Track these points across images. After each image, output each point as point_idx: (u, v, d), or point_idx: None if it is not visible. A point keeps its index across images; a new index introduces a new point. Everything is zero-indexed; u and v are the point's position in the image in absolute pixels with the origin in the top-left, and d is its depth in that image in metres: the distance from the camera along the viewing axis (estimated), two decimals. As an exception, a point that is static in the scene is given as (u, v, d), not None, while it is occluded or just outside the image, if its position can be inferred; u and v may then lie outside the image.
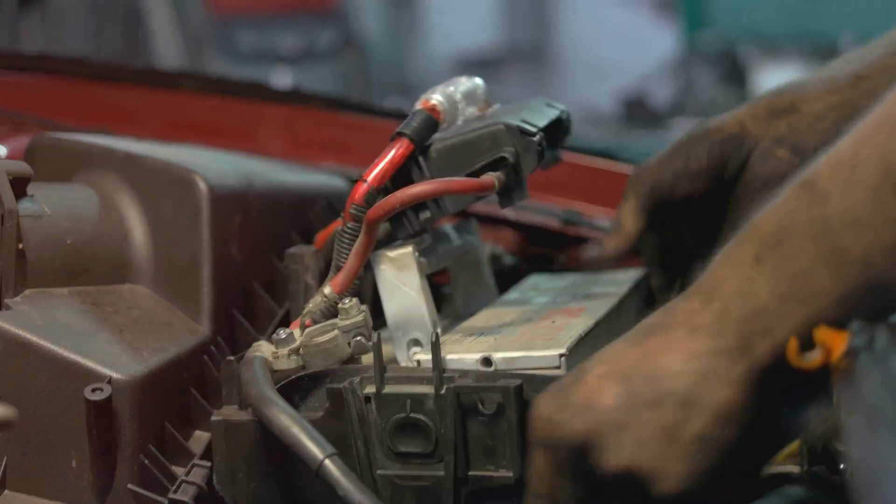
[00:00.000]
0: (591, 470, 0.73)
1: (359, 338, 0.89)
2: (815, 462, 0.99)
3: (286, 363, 0.89)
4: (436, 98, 0.98)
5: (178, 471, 0.91)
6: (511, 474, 0.84)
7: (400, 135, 0.95)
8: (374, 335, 0.87)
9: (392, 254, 0.96)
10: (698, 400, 0.70)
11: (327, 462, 0.78)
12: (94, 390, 0.85)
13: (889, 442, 0.59)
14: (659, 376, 0.71)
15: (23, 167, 0.95)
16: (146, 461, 0.88)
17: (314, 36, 6.60)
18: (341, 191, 1.21)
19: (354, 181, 0.94)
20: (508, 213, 1.30)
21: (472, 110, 1.01)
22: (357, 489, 0.77)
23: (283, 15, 7.31)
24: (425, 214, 0.95)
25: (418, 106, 0.97)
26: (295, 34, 6.49)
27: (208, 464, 0.91)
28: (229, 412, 0.89)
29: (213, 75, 1.63)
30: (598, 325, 0.96)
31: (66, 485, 0.88)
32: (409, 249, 0.96)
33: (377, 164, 0.94)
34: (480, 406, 0.84)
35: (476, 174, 0.94)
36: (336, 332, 0.89)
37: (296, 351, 0.89)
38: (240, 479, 0.88)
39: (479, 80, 1.04)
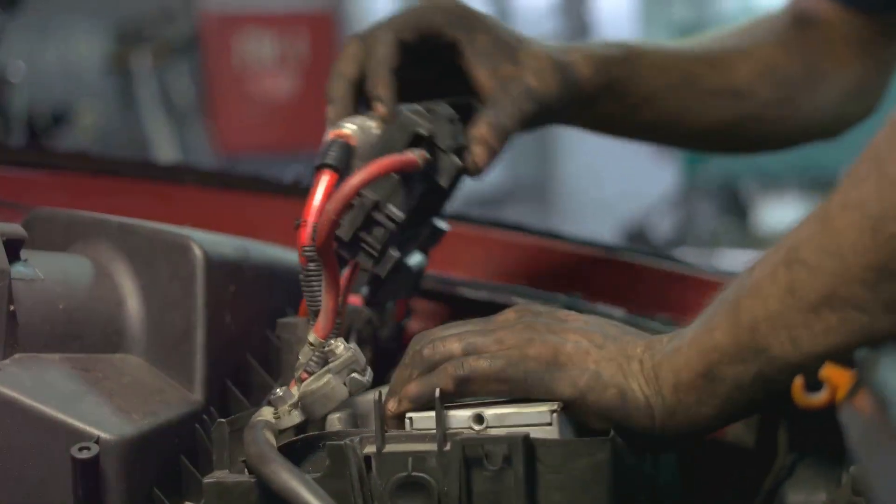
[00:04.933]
0: None
1: (353, 374, 0.88)
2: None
3: (289, 419, 0.88)
4: (346, 126, 0.97)
5: (167, 539, 0.88)
6: None
7: (321, 167, 0.93)
8: (376, 392, 0.85)
9: None
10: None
11: None
12: (81, 449, 0.83)
13: None
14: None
15: (16, 229, 0.94)
16: (133, 526, 0.85)
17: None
18: (340, 273, 1.20)
19: (296, 227, 0.92)
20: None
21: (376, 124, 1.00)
22: None
23: (289, 151, 7.43)
24: (378, 230, 0.93)
25: (329, 137, 0.96)
26: (300, 168, 6.56)
27: (198, 530, 0.88)
28: (222, 475, 0.86)
29: (212, 169, 1.63)
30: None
31: (50, 550, 0.85)
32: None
33: (310, 203, 0.92)
34: (485, 461, 0.82)
35: None
36: (329, 375, 0.87)
37: (295, 405, 0.87)
38: (231, 544, 0.85)
39: None
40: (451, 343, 0.89)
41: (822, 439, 1.11)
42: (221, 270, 1.00)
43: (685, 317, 1.35)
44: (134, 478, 0.86)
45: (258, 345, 1.04)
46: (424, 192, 0.97)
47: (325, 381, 0.87)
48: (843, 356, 0.77)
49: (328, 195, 0.92)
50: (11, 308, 0.90)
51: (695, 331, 0.85)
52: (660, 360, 0.86)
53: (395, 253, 0.95)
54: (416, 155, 0.93)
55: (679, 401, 0.85)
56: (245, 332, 1.02)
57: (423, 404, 0.87)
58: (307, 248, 0.90)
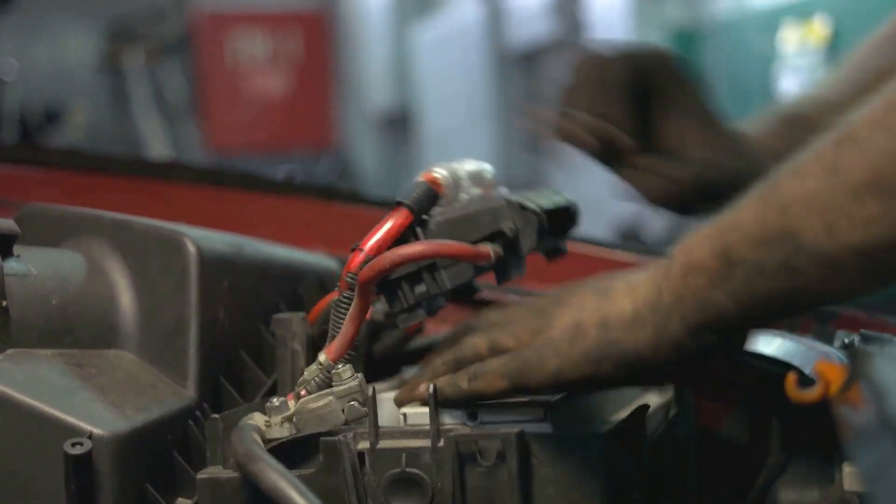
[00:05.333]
0: None
1: (353, 403, 0.87)
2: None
3: (279, 431, 0.87)
4: (439, 171, 0.96)
5: (160, 535, 0.88)
6: None
7: (399, 204, 0.93)
8: (370, 388, 0.85)
9: None
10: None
11: None
12: (73, 444, 0.83)
13: None
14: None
15: (9, 225, 0.93)
16: (126, 522, 0.85)
17: (311, 167, 6.69)
18: (332, 270, 1.20)
19: (352, 249, 0.93)
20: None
21: (476, 190, 1.00)
22: None
23: (281, 150, 7.45)
24: (420, 287, 0.92)
25: (420, 178, 0.96)
26: (291, 165, 6.57)
27: (190, 526, 0.88)
28: (215, 470, 0.86)
29: (204, 166, 1.63)
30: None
31: (43, 546, 0.84)
32: None
33: (374, 233, 0.92)
34: (479, 457, 0.82)
35: None
36: (330, 398, 0.87)
37: (289, 419, 0.87)
38: (225, 539, 0.85)
39: (486, 165, 1.03)
40: (479, 341, 0.90)
41: (815, 437, 1.11)
42: (215, 266, 0.99)
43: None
44: (127, 473, 0.86)
45: (251, 341, 1.04)
46: (480, 274, 0.97)
47: (324, 403, 0.86)
48: (881, 255, 0.68)
49: (394, 233, 0.92)
50: (4, 303, 0.89)
51: (722, 212, 0.75)
52: (675, 249, 0.77)
53: (422, 314, 0.94)
54: (490, 249, 0.91)
55: (687, 284, 0.75)
56: (238, 328, 1.02)
57: (445, 402, 0.86)
58: (351, 275, 0.91)
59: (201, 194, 1.48)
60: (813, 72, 5.50)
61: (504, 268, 0.94)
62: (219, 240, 1.04)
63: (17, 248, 0.94)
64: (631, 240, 5.46)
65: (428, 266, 0.92)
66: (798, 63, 5.66)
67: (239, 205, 1.48)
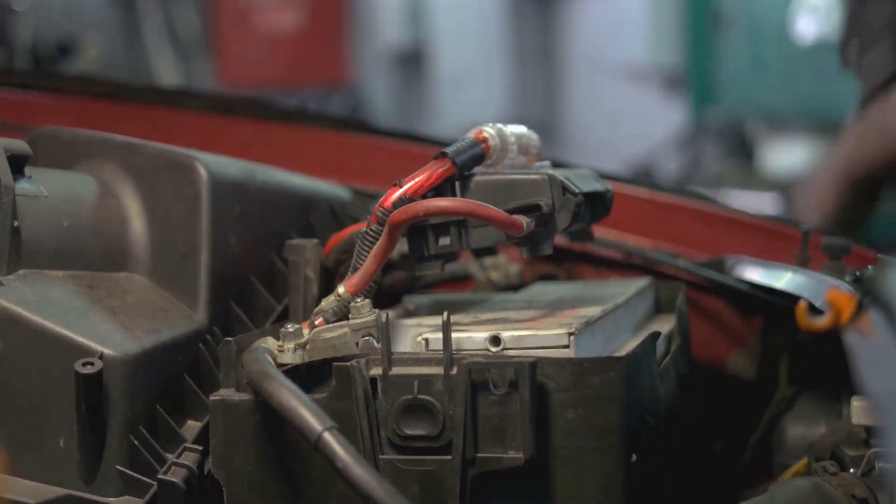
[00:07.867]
0: None
1: (367, 338, 0.87)
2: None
3: (291, 357, 0.87)
4: (489, 131, 0.96)
5: (169, 457, 0.88)
6: (521, 455, 0.81)
7: (444, 155, 0.92)
8: (383, 315, 0.85)
9: None
10: None
11: (326, 435, 0.75)
12: (84, 364, 0.83)
13: None
14: None
15: (21, 145, 0.93)
16: (136, 442, 0.85)
17: (323, 104, 6.66)
18: (344, 199, 1.20)
19: (394, 185, 0.92)
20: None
21: (521, 158, 0.99)
22: (356, 462, 0.74)
23: (292, 86, 7.42)
24: (445, 240, 0.92)
25: (470, 135, 0.96)
26: (303, 101, 6.53)
27: (200, 448, 0.88)
28: (228, 392, 0.86)
29: (215, 94, 1.62)
30: (605, 315, 0.94)
31: (54, 465, 0.85)
32: None
33: (416, 176, 0.91)
34: (492, 386, 0.82)
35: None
36: (346, 329, 0.87)
37: (302, 346, 0.87)
38: (236, 461, 0.85)
39: (534, 134, 1.02)
40: None
41: (823, 373, 1.11)
42: (226, 191, 0.99)
43: (690, 248, 1.36)
44: (137, 394, 0.86)
45: (262, 267, 1.04)
46: (506, 242, 0.97)
47: (339, 334, 0.86)
48: None
49: (433, 181, 0.91)
50: (15, 224, 0.89)
51: None
52: None
53: (436, 265, 0.94)
54: (524, 222, 0.91)
55: None
56: (249, 254, 1.02)
57: None
58: (384, 210, 0.90)
59: (214, 122, 1.48)
60: (830, 13, 5.45)
61: (533, 242, 0.94)
62: (230, 165, 1.04)
63: (29, 170, 0.94)
64: (644, 180, 5.44)
65: (457, 221, 0.92)
66: (815, 4, 5.61)
67: (252, 134, 1.47)
